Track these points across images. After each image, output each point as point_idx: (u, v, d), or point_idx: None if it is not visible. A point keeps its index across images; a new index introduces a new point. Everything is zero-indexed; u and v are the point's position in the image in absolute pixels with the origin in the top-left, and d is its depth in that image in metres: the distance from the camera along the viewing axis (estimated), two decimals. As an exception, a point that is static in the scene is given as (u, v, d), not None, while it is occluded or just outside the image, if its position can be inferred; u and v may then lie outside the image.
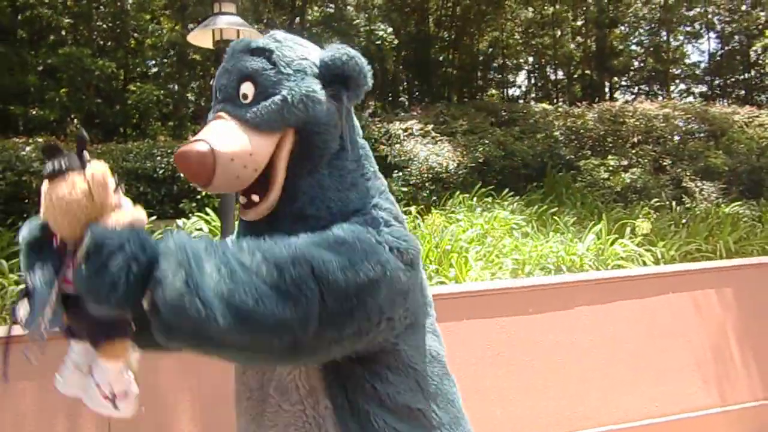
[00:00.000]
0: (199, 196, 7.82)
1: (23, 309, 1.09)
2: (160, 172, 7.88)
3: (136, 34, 11.08)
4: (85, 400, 1.19)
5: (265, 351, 1.13)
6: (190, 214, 7.21)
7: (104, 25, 10.77)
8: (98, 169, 1.11)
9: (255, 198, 1.32)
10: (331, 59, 1.36)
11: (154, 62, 10.85)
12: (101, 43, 10.77)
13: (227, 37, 4.67)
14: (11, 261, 5.38)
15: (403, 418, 1.34)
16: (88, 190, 1.09)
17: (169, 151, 8.13)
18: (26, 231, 1.19)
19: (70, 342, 1.22)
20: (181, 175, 1.48)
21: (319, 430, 1.29)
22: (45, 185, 1.12)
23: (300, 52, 1.38)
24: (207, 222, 6.44)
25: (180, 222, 6.68)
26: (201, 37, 4.82)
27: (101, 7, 10.66)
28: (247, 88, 1.32)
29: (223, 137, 1.26)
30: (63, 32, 10.74)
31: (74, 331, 1.18)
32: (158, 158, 7.97)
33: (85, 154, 1.13)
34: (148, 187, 7.77)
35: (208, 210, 6.75)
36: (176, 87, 10.95)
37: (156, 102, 9.74)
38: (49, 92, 8.86)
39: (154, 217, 6.47)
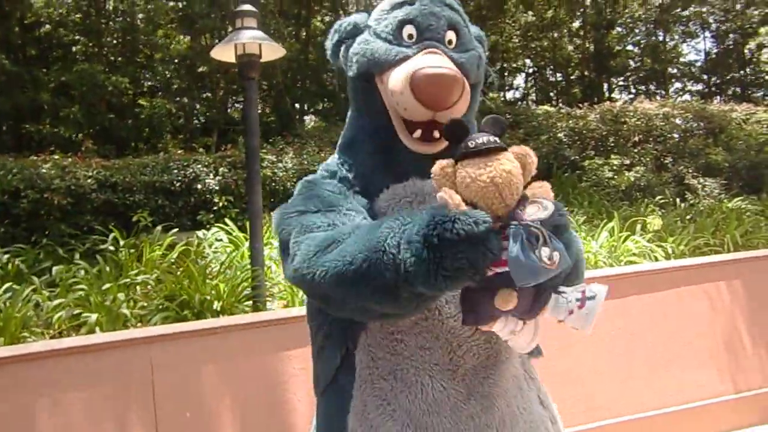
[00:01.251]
0: (216, 208, 7.97)
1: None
2: (177, 184, 8.03)
3: (145, 49, 11.25)
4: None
5: None
6: (208, 226, 7.35)
7: (114, 41, 10.93)
8: (521, 147, 1.16)
9: (436, 134, 1.36)
10: (479, 35, 1.57)
11: (163, 76, 11.01)
12: (111, 58, 10.93)
13: (250, 51, 4.82)
14: (41, 278, 5.52)
15: None
16: (521, 166, 1.12)
17: (184, 163, 8.28)
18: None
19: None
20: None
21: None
22: (462, 163, 1.12)
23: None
24: (227, 233, 6.58)
25: (200, 233, 6.82)
26: (223, 52, 4.96)
27: (111, 23, 10.83)
28: (452, 36, 1.43)
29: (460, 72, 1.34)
30: (74, 49, 10.92)
31: None
32: (174, 171, 8.11)
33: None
34: (165, 199, 7.91)
35: (227, 221, 6.90)
36: (186, 100, 11.10)
37: (167, 115, 9.90)
38: (63, 109, 9.01)
39: (175, 230, 6.61)
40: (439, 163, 1.15)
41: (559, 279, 1.14)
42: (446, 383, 1.34)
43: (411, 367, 1.35)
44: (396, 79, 1.33)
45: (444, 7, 1.45)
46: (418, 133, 1.36)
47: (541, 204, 1.10)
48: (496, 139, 1.13)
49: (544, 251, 1.03)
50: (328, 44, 1.54)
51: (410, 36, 1.40)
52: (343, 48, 1.50)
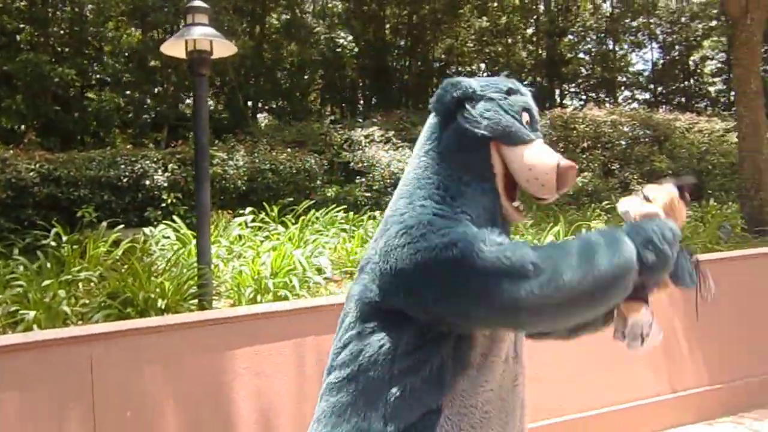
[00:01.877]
0: (164, 205, 7.82)
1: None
2: (124, 180, 7.85)
3: (94, 41, 10.93)
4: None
5: None
6: (156, 223, 7.21)
7: (61, 31, 10.59)
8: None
9: (522, 208, 1.61)
10: None
11: (113, 69, 10.71)
12: (58, 49, 10.58)
13: (200, 48, 4.76)
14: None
15: None
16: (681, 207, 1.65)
17: (132, 159, 8.09)
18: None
19: (633, 315, 1.60)
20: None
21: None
22: (681, 201, 1.66)
23: None
24: (175, 230, 6.48)
25: (147, 230, 6.69)
26: (174, 48, 4.89)
27: (58, 12, 10.49)
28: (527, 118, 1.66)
29: None
30: (18, 37, 10.53)
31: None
32: (122, 166, 7.92)
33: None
34: (112, 195, 7.72)
35: (175, 218, 6.78)
36: (136, 94, 10.85)
37: (116, 109, 9.65)
38: (5, 99, 8.69)
39: (121, 226, 6.46)
40: (675, 194, 1.66)
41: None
42: (505, 428, 1.56)
43: (492, 411, 1.52)
44: (540, 158, 1.54)
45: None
46: (517, 203, 1.58)
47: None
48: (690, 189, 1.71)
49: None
50: (445, 96, 1.60)
51: (528, 122, 1.60)
52: (463, 106, 1.60)
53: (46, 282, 4.63)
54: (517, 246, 1.42)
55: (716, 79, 19.38)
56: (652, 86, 19.84)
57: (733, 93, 13.89)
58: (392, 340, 1.47)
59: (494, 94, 1.60)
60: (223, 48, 4.91)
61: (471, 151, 1.55)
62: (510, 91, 1.62)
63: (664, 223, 1.49)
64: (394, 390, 1.44)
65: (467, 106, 1.58)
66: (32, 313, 4.09)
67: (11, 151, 7.45)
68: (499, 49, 17.55)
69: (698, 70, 19.52)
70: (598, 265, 1.38)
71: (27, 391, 3.00)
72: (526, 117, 1.60)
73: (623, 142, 11.39)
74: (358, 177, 8.84)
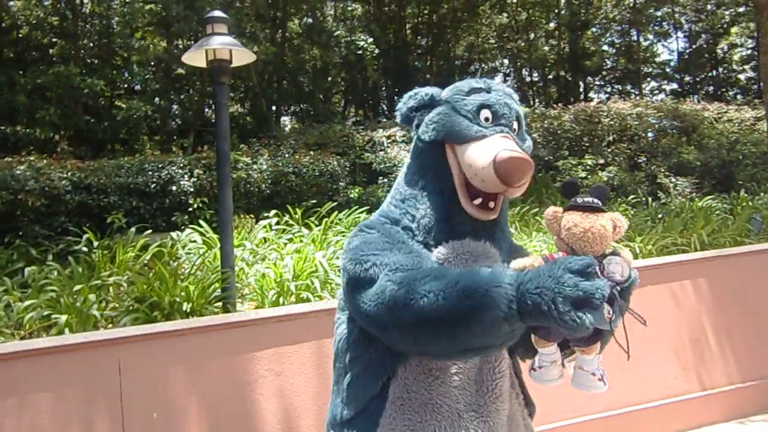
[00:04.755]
0: (190, 209, 7.97)
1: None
2: (152, 186, 8.02)
3: (121, 51, 11.19)
4: (575, 386, 1.51)
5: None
6: (182, 227, 7.35)
7: (91, 44, 10.87)
8: (618, 215, 1.46)
9: (491, 204, 1.58)
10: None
11: (140, 78, 10.97)
12: (88, 60, 10.87)
13: (220, 57, 4.86)
14: (13, 278, 5.50)
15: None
16: (613, 228, 1.43)
17: (159, 165, 8.27)
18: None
19: (540, 347, 1.50)
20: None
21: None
22: (570, 214, 1.44)
23: None
24: (201, 234, 6.59)
25: (174, 234, 6.82)
26: (195, 58, 4.99)
27: (87, 25, 10.78)
28: (516, 126, 1.66)
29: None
30: (50, 51, 10.85)
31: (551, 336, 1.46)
32: (149, 173, 8.10)
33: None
34: (140, 201, 7.89)
35: (201, 222, 6.90)
36: (162, 102, 11.07)
37: (144, 117, 9.87)
38: (39, 111, 8.96)
39: (149, 231, 6.61)
40: (552, 208, 1.48)
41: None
42: (472, 423, 1.53)
43: (444, 404, 1.52)
44: (479, 154, 1.52)
45: (512, 101, 1.68)
46: (478, 200, 1.57)
47: (623, 268, 1.39)
48: (599, 201, 1.44)
49: (606, 307, 1.33)
50: (402, 108, 1.70)
51: (487, 119, 1.61)
52: (418, 114, 1.68)
53: (78, 287, 4.77)
54: (396, 264, 1.46)
55: (746, 66, 18.96)
56: (678, 76, 19.50)
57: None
58: (346, 331, 1.64)
59: (453, 97, 1.65)
60: (243, 56, 5.00)
61: (426, 155, 1.65)
62: (472, 92, 1.65)
63: (564, 279, 1.24)
64: (347, 377, 1.60)
65: (422, 114, 1.67)
66: (64, 317, 4.22)
67: (45, 161, 7.67)
68: (521, 44, 17.43)
69: (726, 58, 19.10)
70: (432, 301, 1.32)
71: (59, 393, 3.12)
72: (485, 114, 1.61)
73: (650, 135, 11.24)
74: (380, 178, 8.88)
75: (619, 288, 1.37)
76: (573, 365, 1.53)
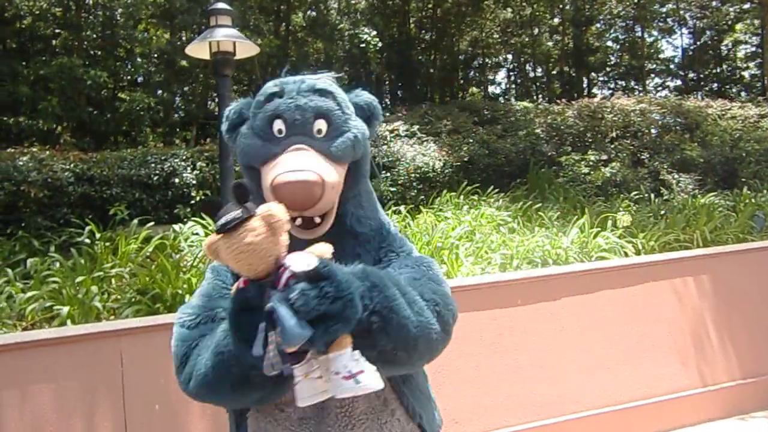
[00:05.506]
0: (193, 201, 7.97)
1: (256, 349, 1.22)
2: (155, 178, 8.02)
3: (124, 43, 11.18)
4: (330, 393, 1.27)
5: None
6: (185, 219, 7.35)
7: (94, 35, 10.86)
8: (268, 209, 1.26)
9: (317, 220, 1.46)
10: (367, 103, 1.61)
11: (143, 70, 10.97)
12: (91, 52, 10.87)
13: (224, 49, 4.86)
14: (15, 270, 5.52)
15: (422, 395, 1.65)
16: (267, 230, 1.24)
17: (162, 157, 8.26)
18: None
19: (294, 368, 1.28)
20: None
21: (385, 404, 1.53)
22: (218, 240, 1.25)
23: (345, 95, 1.60)
24: (203, 226, 6.59)
25: (176, 226, 6.82)
26: (198, 49, 5.00)
27: (90, 17, 10.77)
28: (322, 125, 1.48)
29: (323, 168, 1.40)
30: (53, 42, 10.85)
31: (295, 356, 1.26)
32: (152, 165, 8.09)
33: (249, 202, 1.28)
34: (143, 193, 7.89)
35: (203, 215, 6.89)
36: (165, 94, 11.07)
37: (147, 109, 9.87)
38: (42, 102, 8.96)
39: (152, 223, 6.61)
40: (207, 240, 1.29)
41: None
42: None
43: None
44: (266, 179, 1.42)
45: (312, 95, 1.50)
46: (299, 221, 1.45)
47: (304, 261, 1.23)
48: (237, 213, 1.24)
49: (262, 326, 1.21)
50: (223, 129, 1.61)
51: (280, 131, 1.48)
52: (234, 135, 1.58)
53: (80, 278, 4.78)
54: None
55: (750, 64, 18.88)
56: (682, 73, 19.44)
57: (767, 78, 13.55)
58: None
59: (252, 111, 1.54)
60: (246, 48, 5.00)
61: (247, 176, 1.57)
62: (266, 99, 1.52)
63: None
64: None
65: (236, 135, 1.57)
66: (66, 309, 4.24)
67: (48, 152, 7.67)
68: (525, 39, 17.38)
69: (731, 55, 19.03)
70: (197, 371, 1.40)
71: (61, 383, 3.12)
72: (278, 125, 1.48)
73: (653, 131, 11.20)
74: (383, 172, 8.88)
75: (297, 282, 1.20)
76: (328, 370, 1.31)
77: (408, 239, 1.72)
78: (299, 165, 1.39)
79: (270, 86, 1.54)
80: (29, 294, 4.69)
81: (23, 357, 3.11)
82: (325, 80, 1.58)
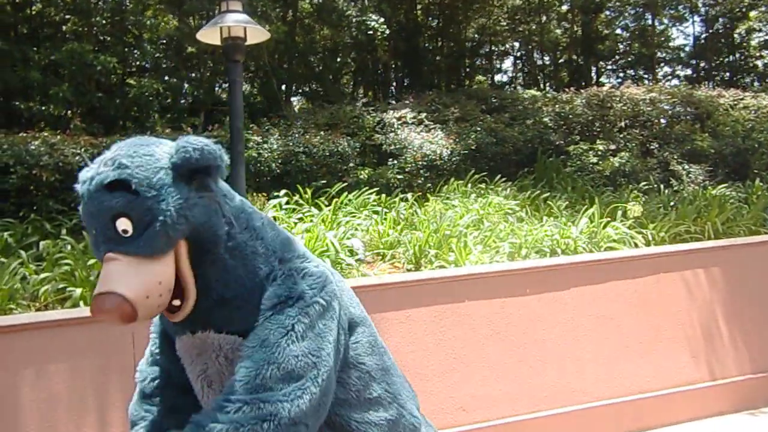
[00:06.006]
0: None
1: None
2: (164, 163, 8.03)
3: (133, 29, 11.17)
4: None
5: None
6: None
7: (103, 21, 10.86)
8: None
9: (176, 303, 1.45)
10: (182, 159, 1.42)
11: (151, 56, 10.97)
12: (101, 38, 10.87)
13: (235, 34, 4.84)
14: (28, 252, 5.58)
15: (363, 408, 1.61)
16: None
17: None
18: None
19: None
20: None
21: None
22: None
23: (152, 164, 1.41)
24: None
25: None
26: (209, 35, 4.98)
27: (100, 2, 10.76)
28: (125, 224, 1.35)
29: (128, 280, 1.32)
30: (63, 28, 10.85)
31: None
32: (161, 150, 8.10)
33: None
34: (152, 178, 7.91)
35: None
36: (173, 80, 11.06)
37: (155, 95, 9.87)
38: (52, 87, 8.98)
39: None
40: None
41: None
42: None
43: None
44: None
45: (103, 194, 1.36)
46: (177, 301, 1.49)
47: None
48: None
49: None
50: None
51: (96, 241, 1.44)
52: None
53: (91, 261, 4.85)
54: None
55: (764, 52, 18.64)
56: (694, 62, 19.23)
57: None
58: None
59: None
60: (257, 34, 4.98)
61: None
62: (80, 201, 1.45)
63: None
64: None
65: None
66: (79, 290, 4.30)
67: (59, 137, 7.70)
68: (533, 27, 17.23)
69: (744, 44, 18.79)
70: None
71: (74, 363, 3.17)
72: (89, 236, 1.46)
73: (663, 121, 11.12)
74: (390, 159, 8.86)
75: None
76: None
77: (319, 264, 1.64)
78: (105, 285, 1.33)
79: (82, 174, 1.44)
80: (42, 276, 4.76)
81: (37, 336, 3.15)
82: (121, 160, 1.40)
